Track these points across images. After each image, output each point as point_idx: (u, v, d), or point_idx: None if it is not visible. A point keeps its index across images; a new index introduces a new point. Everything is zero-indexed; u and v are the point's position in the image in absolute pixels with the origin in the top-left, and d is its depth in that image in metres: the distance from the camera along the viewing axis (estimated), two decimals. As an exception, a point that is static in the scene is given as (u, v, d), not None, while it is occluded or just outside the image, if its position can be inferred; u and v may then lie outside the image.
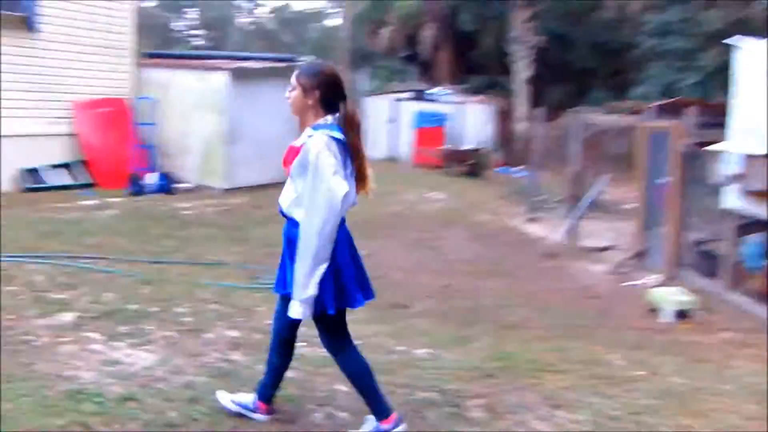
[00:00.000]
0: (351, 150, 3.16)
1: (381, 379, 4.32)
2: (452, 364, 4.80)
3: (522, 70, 23.18)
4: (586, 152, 11.79)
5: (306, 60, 24.02)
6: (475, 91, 23.91)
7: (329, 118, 3.19)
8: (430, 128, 20.82)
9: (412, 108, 21.53)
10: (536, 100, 21.67)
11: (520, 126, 22.39)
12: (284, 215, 3.30)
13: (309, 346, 5.04)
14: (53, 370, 4.12)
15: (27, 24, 11.13)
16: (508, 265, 9.19)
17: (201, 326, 5.21)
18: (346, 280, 3.19)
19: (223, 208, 11.34)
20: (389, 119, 21.80)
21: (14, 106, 11.02)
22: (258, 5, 43.15)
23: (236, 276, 7.17)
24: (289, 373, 4.33)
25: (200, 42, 39.31)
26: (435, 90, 22.63)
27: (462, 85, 24.06)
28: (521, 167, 16.52)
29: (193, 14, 40.39)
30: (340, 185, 3.05)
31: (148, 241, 8.25)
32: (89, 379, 4.03)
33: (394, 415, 3.41)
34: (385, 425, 3.38)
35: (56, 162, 11.79)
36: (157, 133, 12.88)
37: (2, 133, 10.83)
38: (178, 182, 12.65)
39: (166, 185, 12.16)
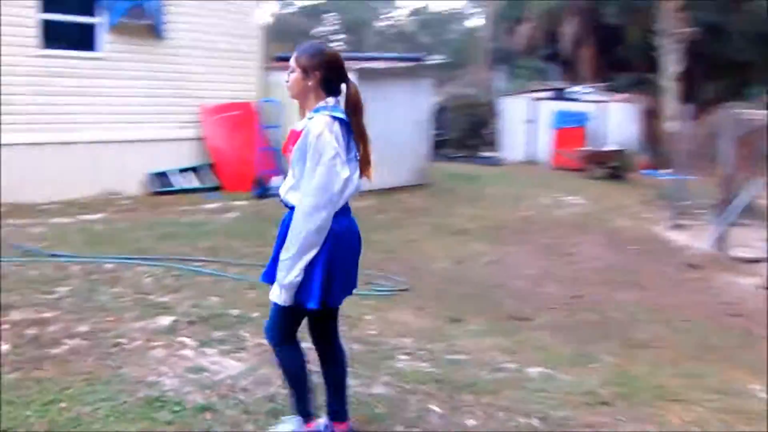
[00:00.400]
0: (355, 133, 3.06)
1: (480, 400, 3.98)
2: (565, 386, 4.33)
3: (671, 65, 21.73)
4: (739, 152, 10.72)
5: (436, 57, 23.81)
6: (620, 89, 22.69)
7: (330, 101, 3.07)
8: (570, 129, 19.91)
9: (551, 108, 20.73)
10: (687, 98, 20.21)
11: (669, 125, 20.97)
12: (285, 204, 3.15)
13: (410, 359, 4.78)
14: (138, 375, 4.08)
15: (154, 31, 11.56)
16: (645, 276, 8.45)
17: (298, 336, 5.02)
18: (336, 275, 3.03)
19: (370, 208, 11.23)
20: (527, 120, 21.11)
21: (143, 112, 11.50)
22: (396, 8, 43.56)
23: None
24: (379, 389, 4.09)
25: (340, 45, 40.18)
26: (576, 88, 21.69)
27: (606, 83, 22.92)
28: (669, 170, 15.39)
29: (331, 19, 41.31)
30: (340, 169, 2.93)
31: (264, 244, 8.21)
32: (171, 386, 3.95)
33: (317, 421, 3.30)
34: (308, 428, 3.27)
35: (184, 166, 12.19)
36: (282, 136, 13.02)
37: (132, 138, 11.31)
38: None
39: (291, 189, 12.22)
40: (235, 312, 5.47)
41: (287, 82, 3.11)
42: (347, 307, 5.82)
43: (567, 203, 13.74)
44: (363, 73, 12.35)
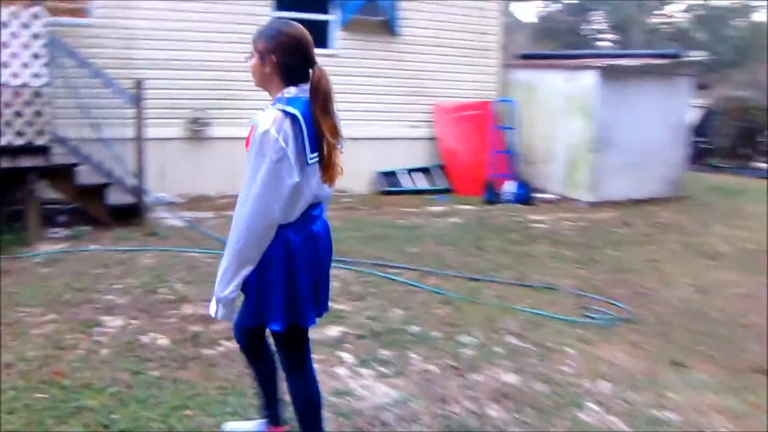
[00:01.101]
0: (316, 129, 2.61)
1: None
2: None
3: None
4: None
5: (698, 54, 21.51)
6: None
7: (292, 90, 2.65)
8: None
9: None
10: None
11: None
12: None
13: (601, 410, 4.02)
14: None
15: (388, 27, 11.58)
16: None
17: (475, 363, 4.50)
18: (300, 294, 2.67)
19: (581, 224, 10.38)
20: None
21: (375, 110, 11.59)
22: (670, 3, 40.62)
23: (564, 305, 6.23)
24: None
25: (606, 43, 38.46)
26: None
27: None
28: None
29: (598, 17, 39.70)
30: (286, 173, 2.54)
31: (475, 255, 7.77)
32: (305, 409, 3.58)
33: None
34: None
35: (414, 166, 12.07)
36: (518, 138, 12.44)
37: (362, 136, 11.41)
38: (539, 192, 12.03)
39: (525, 195, 11.62)
40: (415, 329, 5.06)
41: (250, 68, 2.74)
42: (547, 334, 5.21)
43: None
44: (606, 72, 11.37)
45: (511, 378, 4.31)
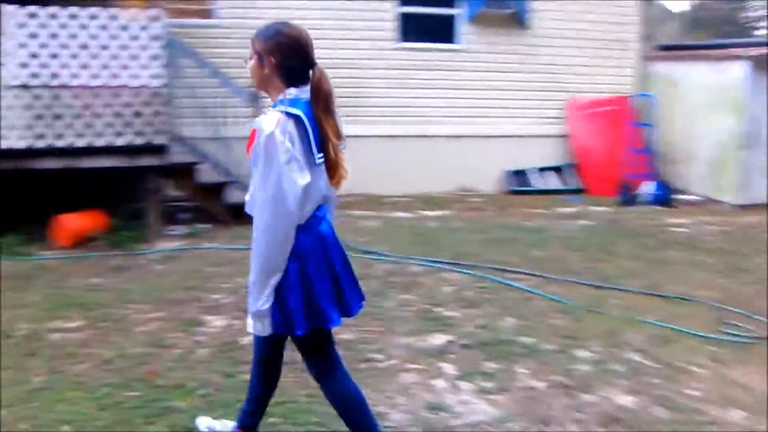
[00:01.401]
0: (320, 130, 2.62)
1: None
2: None
3: None
4: None
5: None
6: None
7: (292, 92, 2.65)
8: None
9: None
10: None
11: None
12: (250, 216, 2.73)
13: None
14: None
15: (517, 20, 11.20)
16: None
17: (588, 381, 4.19)
18: (318, 296, 2.66)
19: (725, 229, 9.64)
20: None
21: (504, 106, 11.29)
22: None
23: (698, 319, 5.71)
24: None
25: (764, 31, 35.96)
26: None
27: None
28: None
29: (756, 5, 37.20)
30: (297, 175, 2.53)
31: (604, 260, 7.35)
32: (395, 422, 3.52)
33: None
34: None
35: (545, 164, 11.66)
36: (657, 136, 11.74)
37: (490, 133, 11.15)
38: (679, 193, 11.30)
39: (665, 196, 10.94)
40: (527, 341, 4.79)
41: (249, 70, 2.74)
42: (674, 352, 4.79)
43: None
44: (759, 62, 10.49)
45: (626, 400, 3.98)
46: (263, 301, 2.62)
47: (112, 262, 6.58)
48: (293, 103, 2.62)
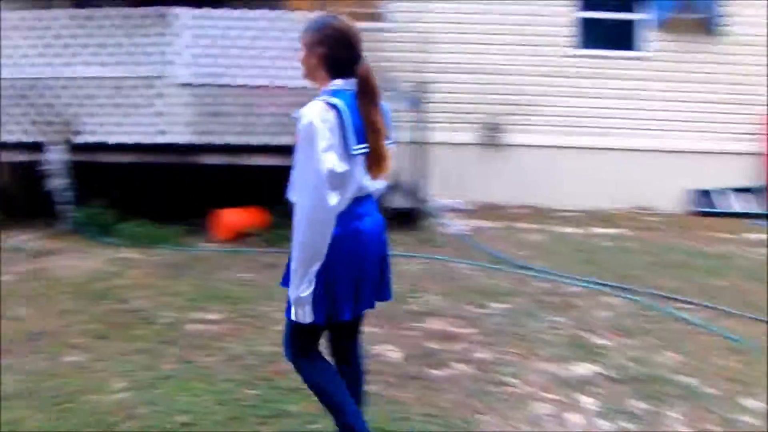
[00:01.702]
0: (364, 122, 2.67)
1: None
2: None
3: None
4: None
5: None
6: None
7: (338, 83, 2.72)
8: None
9: None
10: None
11: None
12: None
13: None
14: (490, 429, 3.39)
15: (706, 27, 10.36)
16: None
17: (750, 436, 3.65)
18: (337, 290, 2.69)
19: None
20: None
21: (689, 119, 10.49)
22: None
23: None
24: None
25: None
26: None
27: None
28: None
29: None
30: (336, 164, 2.57)
31: (793, 296, 6.54)
32: (516, 458, 3.16)
33: None
34: None
35: (735, 185, 10.67)
36: None
37: (673, 148, 10.37)
38: None
39: None
40: (685, 381, 4.28)
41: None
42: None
43: None
44: None
45: (795, 465, 3.43)
46: (304, 288, 2.63)
47: (265, 258, 6.69)
48: (336, 93, 2.67)
